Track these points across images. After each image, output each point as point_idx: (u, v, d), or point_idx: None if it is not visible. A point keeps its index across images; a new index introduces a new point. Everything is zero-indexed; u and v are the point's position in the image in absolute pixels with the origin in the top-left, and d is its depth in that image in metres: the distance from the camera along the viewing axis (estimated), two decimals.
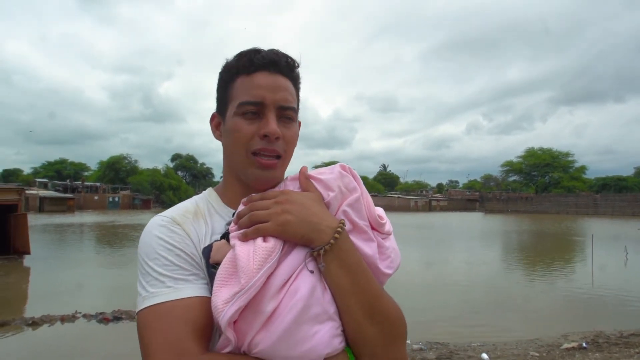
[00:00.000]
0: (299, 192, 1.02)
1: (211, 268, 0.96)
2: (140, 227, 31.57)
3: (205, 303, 0.92)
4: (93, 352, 6.84)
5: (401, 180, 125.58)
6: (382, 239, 1.07)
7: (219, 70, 1.13)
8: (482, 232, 32.24)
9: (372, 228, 1.05)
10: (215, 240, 1.02)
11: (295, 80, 1.11)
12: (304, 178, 1.05)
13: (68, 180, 77.83)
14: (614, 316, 8.84)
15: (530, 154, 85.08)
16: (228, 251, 0.95)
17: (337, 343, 0.93)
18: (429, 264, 16.57)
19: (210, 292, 0.92)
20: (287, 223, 0.94)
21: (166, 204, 74.67)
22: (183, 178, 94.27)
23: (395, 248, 1.09)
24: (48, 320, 7.92)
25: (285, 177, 1.11)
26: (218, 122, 1.15)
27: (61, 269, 14.26)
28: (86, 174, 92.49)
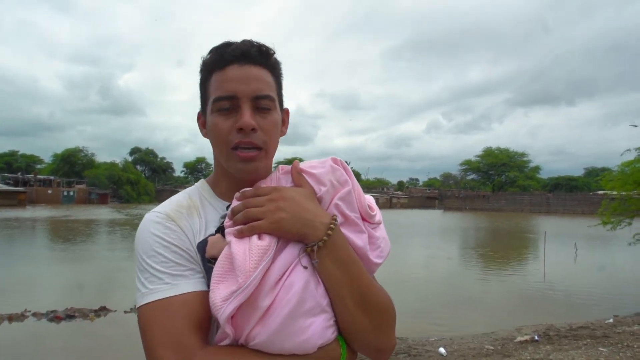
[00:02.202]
0: (292, 188, 1.03)
1: (207, 263, 0.99)
2: (96, 223, 30.85)
3: (203, 297, 0.95)
4: (44, 351, 6.59)
5: (363, 177, 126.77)
6: (373, 229, 1.10)
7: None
8: (441, 229, 32.97)
9: (363, 219, 1.08)
10: (210, 235, 1.03)
11: (272, 68, 1.09)
12: (296, 173, 1.06)
13: (19, 173, 74.41)
14: (564, 310, 9.20)
15: (488, 153, 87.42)
16: (223, 246, 0.97)
17: (330, 333, 0.97)
18: (389, 260, 16.76)
19: (207, 286, 0.95)
20: (281, 220, 0.96)
21: (124, 199, 72.91)
22: (142, 172, 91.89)
23: (385, 237, 1.13)
24: None
25: (277, 168, 1.12)
26: (203, 121, 1.14)
27: (10, 265, 13.66)
28: (39, 166, 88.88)
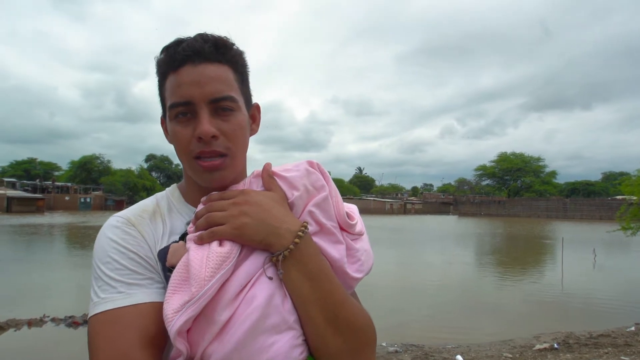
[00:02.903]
0: (260, 192, 0.96)
1: (167, 272, 0.91)
2: None
3: (160, 309, 0.87)
4: (61, 356, 6.65)
5: (377, 183, 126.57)
6: (352, 240, 1.01)
7: None
8: (456, 235, 32.66)
9: (341, 229, 0.99)
10: (174, 242, 0.97)
11: (233, 62, 0.99)
12: (266, 176, 0.98)
13: (37, 180, 75.66)
14: (584, 317, 9.03)
15: (503, 158, 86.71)
16: (184, 254, 0.90)
17: (298, 354, 0.88)
18: (404, 266, 16.70)
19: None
20: (244, 226, 0.89)
21: None
22: (157, 179, 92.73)
23: (367, 250, 1.03)
24: (14, 324, 7.64)
25: (251, 172, 1.04)
26: (165, 126, 1.06)
27: (29, 271, 13.83)
28: (57, 173, 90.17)
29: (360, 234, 1.03)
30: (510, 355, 6.03)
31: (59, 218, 44.10)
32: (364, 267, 1.00)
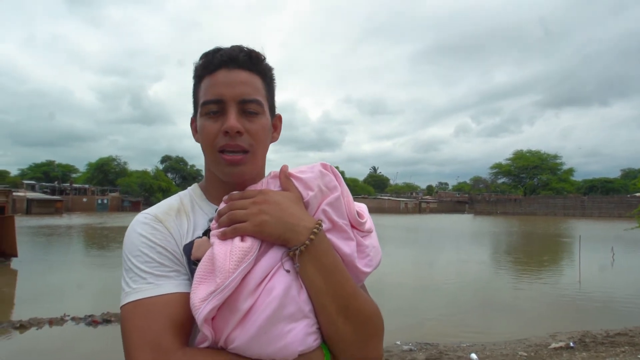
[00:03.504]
0: (278, 192, 1.03)
1: (192, 265, 0.98)
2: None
3: (186, 299, 0.94)
4: (82, 355, 6.80)
5: (391, 182, 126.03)
6: (362, 237, 1.08)
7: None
8: (472, 234, 32.44)
9: (352, 226, 1.06)
10: (197, 237, 1.03)
11: (263, 74, 1.10)
12: (284, 177, 1.06)
13: (56, 182, 77.00)
14: (601, 316, 8.93)
15: (519, 156, 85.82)
16: (209, 248, 0.96)
17: (312, 341, 0.95)
18: (420, 265, 16.66)
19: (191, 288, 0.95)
20: (264, 223, 0.96)
21: None
22: (173, 180, 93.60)
23: (375, 246, 1.11)
24: (36, 323, 7.83)
25: (268, 173, 1.11)
26: (195, 125, 1.15)
27: (49, 271, 14.11)
28: (74, 175, 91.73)
29: (369, 232, 1.10)
30: (525, 354, 6.02)
31: (77, 219, 44.80)
32: (373, 262, 1.08)
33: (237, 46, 1.08)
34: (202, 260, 0.95)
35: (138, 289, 0.96)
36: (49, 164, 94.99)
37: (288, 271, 0.95)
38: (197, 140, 1.14)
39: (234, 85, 1.04)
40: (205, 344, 0.92)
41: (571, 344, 6.33)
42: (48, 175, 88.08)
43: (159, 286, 0.96)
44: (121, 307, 0.97)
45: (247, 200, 1.00)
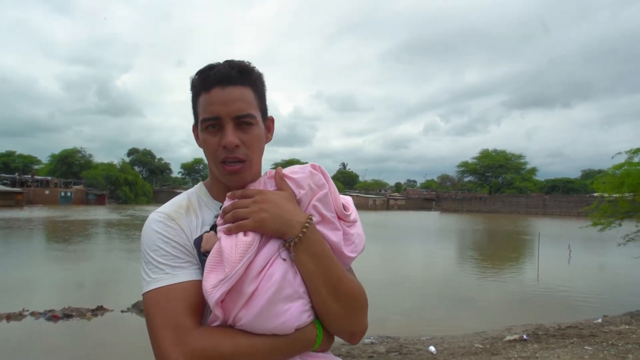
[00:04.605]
0: (274, 192, 1.19)
1: (202, 256, 1.13)
2: (93, 223, 30.84)
3: (198, 285, 1.10)
4: (41, 350, 6.68)
5: (360, 179, 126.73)
6: (348, 226, 1.25)
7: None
8: (438, 231, 33.12)
9: (339, 218, 1.24)
10: (205, 232, 1.18)
11: (254, 84, 1.22)
12: (279, 178, 1.21)
13: (16, 174, 74.25)
14: (556, 310, 9.32)
15: (485, 155, 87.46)
16: (216, 242, 1.12)
17: (306, 317, 1.14)
18: (386, 261, 16.92)
19: (202, 277, 1.10)
20: (263, 220, 1.12)
21: (122, 200, 72.78)
22: (140, 173, 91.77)
23: (360, 234, 1.29)
24: None
25: (265, 172, 1.27)
26: (197, 134, 1.28)
27: (7, 265, 13.73)
28: (36, 167, 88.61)
29: (354, 222, 1.28)
30: (481, 346, 6.25)
31: (39, 212, 43.48)
32: (358, 248, 1.27)
33: (228, 63, 1.20)
34: (211, 253, 1.10)
35: (158, 279, 1.12)
36: (9, 154, 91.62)
37: (285, 259, 1.11)
38: (200, 146, 1.28)
39: (228, 104, 1.16)
40: (217, 323, 1.09)
41: (525, 337, 6.61)
42: (8, 166, 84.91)
43: (175, 276, 1.12)
44: (143, 295, 1.13)
45: (248, 200, 1.15)
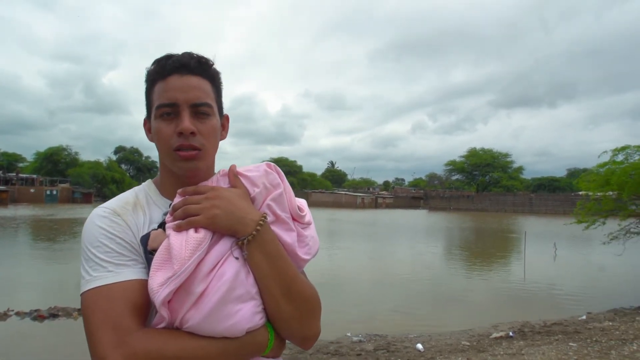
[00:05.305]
0: (228, 189, 1.14)
1: (149, 254, 1.07)
2: (81, 222, 30.44)
3: (143, 285, 1.03)
4: (27, 350, 6.60)
5: (348, 177, 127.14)
6: (302, 228, 1.22)
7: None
8: (426, 229, 33.28)
9: (293, 219, 1.20)
10: (153, 229, 1.13)
11: (212, 78, 1.19)
12: (232, 175, 1.17)
13: (0, 172, 73.24)
14: (542, 307, 9.42)
15: (472, 154, 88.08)
16: (164, 239, 1.06)
17: (258, 319, 1.08)
18: (374, 259, 16.99)
19: (148, 276, 1.03)
20: (215, 217, 1.06)
21: (108, 198, 71.42)
22: (127, 171, 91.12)
23: (314, 237, 1.25)
24: None
25: (217, 171, 1.22)
26: (149, 126, 1.24)
27: None
28: (21, 165, 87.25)
29: (308, 224, 1.24)
30: (468, 343, 6.32)
31: (24, 211, 42.92)
32: (312, 251, 1.22)
33: (187, 53, 1.17)
34: (159, 250, 1.04)
35: (99, 277, 1.04)
36: None
37: (237, 258, 1.06)
38: (150, 140, 1.23)
39: (186, 90, 1.12)
40: (162, 325, 1.02)
41: (511, 334, 6.69)
42: None
43: (119, 274, 1.04)
44: (82, 294, 1.05)
45: (201, 196, 1.10)
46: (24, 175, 73.13)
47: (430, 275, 13.60)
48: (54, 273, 12.71)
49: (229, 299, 1.02)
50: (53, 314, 7.82)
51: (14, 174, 72.20)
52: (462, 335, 6.93)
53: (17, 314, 7.85)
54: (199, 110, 1.14)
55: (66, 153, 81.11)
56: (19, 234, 24.01)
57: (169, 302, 1.00)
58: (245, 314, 1.04)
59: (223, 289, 1.01)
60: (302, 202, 1.27)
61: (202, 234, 1.05)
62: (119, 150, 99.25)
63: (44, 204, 59.55)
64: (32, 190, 66.22)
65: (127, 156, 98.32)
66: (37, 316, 7.74)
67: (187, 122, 1.11)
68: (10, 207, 50.92)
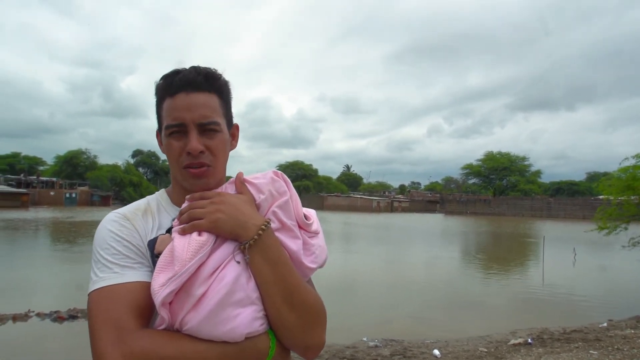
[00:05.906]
0: (233, 195, 1.17)
1: (155, 258, 1.09)
2: (98, 224, 30.65)
3: (147, 287, 1.05)
4: (47, 351, 6.71)
5: (364, 181, 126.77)
6: (309, 237, 1.21)
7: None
8: (443, 233, 33.03)
9: (300, 227, 1.20)
10: (161, 234, 1.15)
11: (219, 91, 1.21)
12: (239, 182, 1.20)
13: (22, 175, 74.51)
14: (561, 314, 9.28)
15: (489, 157, 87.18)
16: (170, 243, 1.08)
17: (258, 325, 1.07)
18: (390, 264, 16.90)
19: None
20: (218, 220, 1.08)
21: (126, 201, 72.72)
22: (144, 175, 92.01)
23: (321, 246, 1.24)
24: None
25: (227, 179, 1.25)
26: (160, 139, 1.27)
27: (13, 266, 13.79)
28: (41, 168, 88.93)
29: (316, 233, 1.24)
30: (486, 350, 6.24)
31: (44, 213, 43.64)
32: (318, 260, 1.21)
33: (194, 68, 1.19)
34: (163, 253, 1.06)
35: (105, 278, 1.07)
36: (15, 155, 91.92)
37: (239, 262, 1.07)
38: (163, 152, 1.26)
39: (193, 109, 1.14)
40: (162, 327, 1.03)
41: (529, 341, 6.59)
42: (13, 167, 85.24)
43: (123, 275, 1.07)
44: (88, 294, 1.07)
45: (206, 201, 1.12)
46: (44, 179, 74.42)
47: (446, 280, 13.49)
48: (73, 274, 12.88)
49: (228, 302, 1.02)
50: (72, 316, 7.93)
51: (35, 177, 73.56)
52: (479, 341, 6.85)
53: (38, 315, 7.98)
54: (206, 128, 1.16)
55: (85, 157, 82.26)
56: (40, 236, 24.42)
57: (170, 303, 1.02)
58: (245, 319, 1.04)
59: (222, 292, 1.02)
60: (310, 212, 1.28)
61: (205, 237, 1.06)
62: (136, 153, 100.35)
63: (64, 207, 60.47)
64: (52, 193, 67.31)
65: (145, 159, 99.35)
66: (57, 317, 7.86)
67: (194, 142, 1.14)
68: (31, 209, 51.83)
